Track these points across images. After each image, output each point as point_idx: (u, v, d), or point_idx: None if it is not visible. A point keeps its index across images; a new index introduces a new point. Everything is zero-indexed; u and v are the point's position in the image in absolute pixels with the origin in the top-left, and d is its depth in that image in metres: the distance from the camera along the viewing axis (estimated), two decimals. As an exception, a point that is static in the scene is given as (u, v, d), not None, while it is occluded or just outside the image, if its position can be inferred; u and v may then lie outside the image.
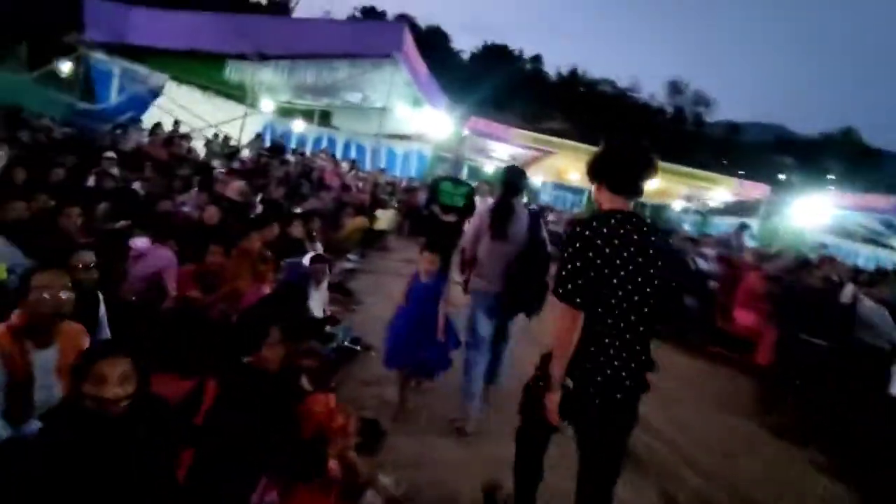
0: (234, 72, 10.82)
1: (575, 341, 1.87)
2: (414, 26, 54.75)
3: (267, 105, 13.00)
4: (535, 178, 25.04)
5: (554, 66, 68.59)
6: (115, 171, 5.87)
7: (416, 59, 12.58)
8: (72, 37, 9.91)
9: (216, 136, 11.21)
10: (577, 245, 1.86)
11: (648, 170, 1.98)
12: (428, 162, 19.49)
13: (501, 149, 21.00)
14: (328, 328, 4.05)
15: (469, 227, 3.62)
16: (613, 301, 1.87)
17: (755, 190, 21.83)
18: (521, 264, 3.18)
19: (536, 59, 65.46)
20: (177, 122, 11.05)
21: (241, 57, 10.68)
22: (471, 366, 3.30)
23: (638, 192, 2.01)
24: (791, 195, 24.80)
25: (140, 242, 3.77)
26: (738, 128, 69.55)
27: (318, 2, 54.35)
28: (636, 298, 1.89)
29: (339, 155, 18.26)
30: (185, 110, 10.98)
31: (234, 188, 6.36)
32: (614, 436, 2.00)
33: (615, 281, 1.85)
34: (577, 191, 25.59)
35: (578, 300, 1.84)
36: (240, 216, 4.64)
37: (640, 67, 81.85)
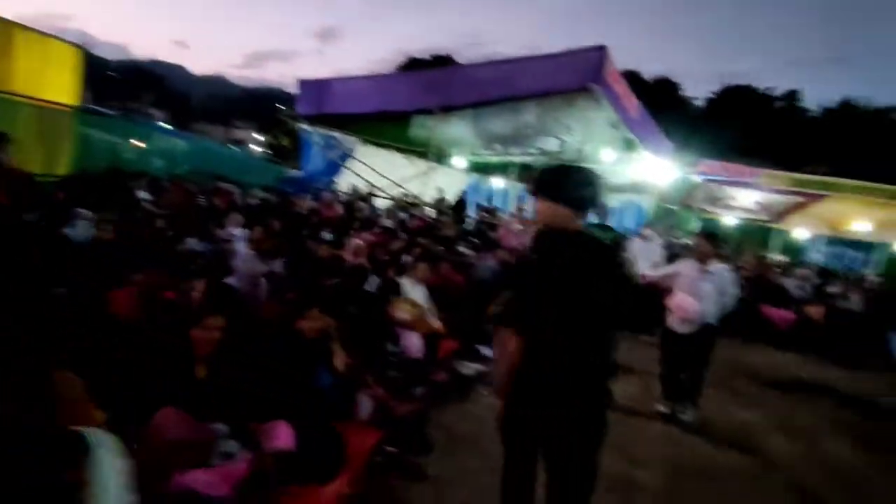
0: (418, 128, 10.03)
1: (509, 360, 1.88)
2: (639, 80, 51.20)
3: (459, 161, 11.98)
4: (798, 231, 18.86)
5: (815, 101, 56.23)
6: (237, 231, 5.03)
7: (624, 93, 10.09)
8: (284, 112, 10.50)
9: (405, 195, 10.50)
10: (522, 271, 1.98)
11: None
12: (647, 215, 16.09)
13: (745, 196, 16.31)
14: None
15: None
16: (552, 328, 1.83)
17: None
18: None
19: (791, 95, 54.32)
20: (370, 185, 10.72)
21: (426, 112, 9.84)
22: None
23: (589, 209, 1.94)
24: None
25: None
26: None
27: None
28: (576, 323, 1.82)
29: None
30: (373, 171, 10.55)
31: (352, 247, 4.90)
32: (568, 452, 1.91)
33: (555, 303, 1.82)
34: (864, 246, 18.29)
35: (517, 322, 1.90)
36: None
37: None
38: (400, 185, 10.24)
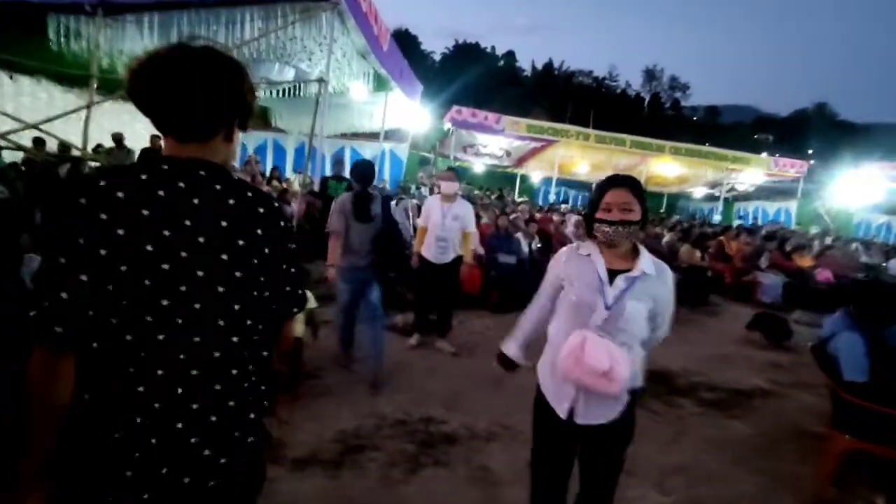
0: (63, 35, 6.21)
1: (62, 399, 0.86)
2: (381, 29, 50.47)
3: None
4: (533, 174, 20.55)
5: (528, 61, 64.94)
6: None
7: (373, 17, 8.09)
8: None
9: (39, 142, 6.57)
10: (65, 227, 0.85)
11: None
12: (405, 165, 14.89)
13: (493, 142, 16.51)
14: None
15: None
16: (145, 325, 0.88)
17: (791, 167, 17.62)
18: (380, 241, 3.45)
19: (510, 55, 61.34)
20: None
21: (75, 9, 6.10)
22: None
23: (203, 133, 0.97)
24: (829, 171, 20.94)
25: None
26: (717, 110, 65.98)
27: None
28: (200, 316, 0.91)
29: (289, 166, 13.73)
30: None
31: None
32: None
33: (148, 283, 0.87)
34: (583, 186, 21.07)
35: (60, 329, 0.83)
36: None
37: (615, 58, 78.43)
38: (38, 128, 6.27)
